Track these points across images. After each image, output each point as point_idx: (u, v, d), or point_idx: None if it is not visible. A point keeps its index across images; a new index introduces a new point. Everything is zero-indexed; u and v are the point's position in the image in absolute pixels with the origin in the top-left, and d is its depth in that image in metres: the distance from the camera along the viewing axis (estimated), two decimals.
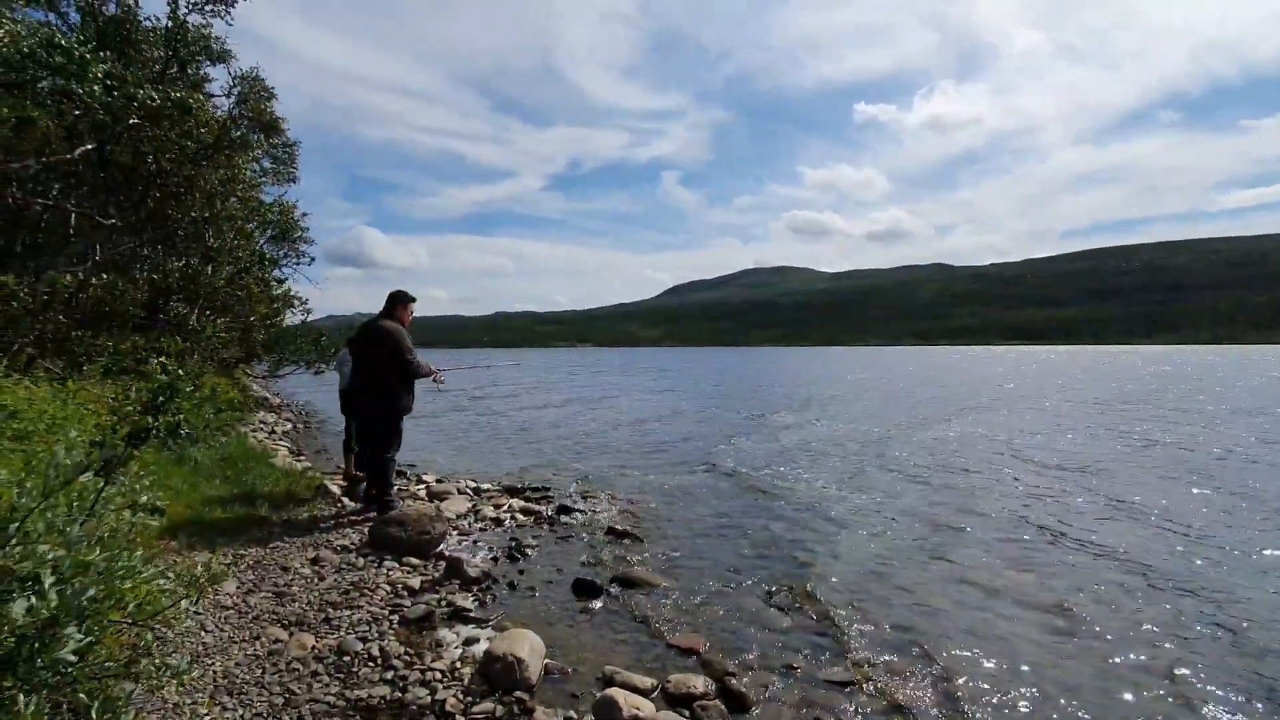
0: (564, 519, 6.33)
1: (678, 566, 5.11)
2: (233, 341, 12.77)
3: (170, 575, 2.72)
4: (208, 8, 9.25)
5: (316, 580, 4.22)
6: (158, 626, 2.57)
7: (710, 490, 7.82)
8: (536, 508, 6.63)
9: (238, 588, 3.97)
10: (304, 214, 15.89)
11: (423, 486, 7.38)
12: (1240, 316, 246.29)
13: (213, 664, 3.03)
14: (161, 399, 2.31)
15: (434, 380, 5.98)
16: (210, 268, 10.12)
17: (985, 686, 3.32)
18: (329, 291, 17.60)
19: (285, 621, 3.58)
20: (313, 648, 3.29)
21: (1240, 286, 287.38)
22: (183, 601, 2.86)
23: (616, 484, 8.12)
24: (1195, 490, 7.72)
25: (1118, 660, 3.62)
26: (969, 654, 3.68)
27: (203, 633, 3.30)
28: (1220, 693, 3.28)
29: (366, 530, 5.21)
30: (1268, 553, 5.42)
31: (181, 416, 2.58)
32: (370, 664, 3.20)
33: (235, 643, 3.26)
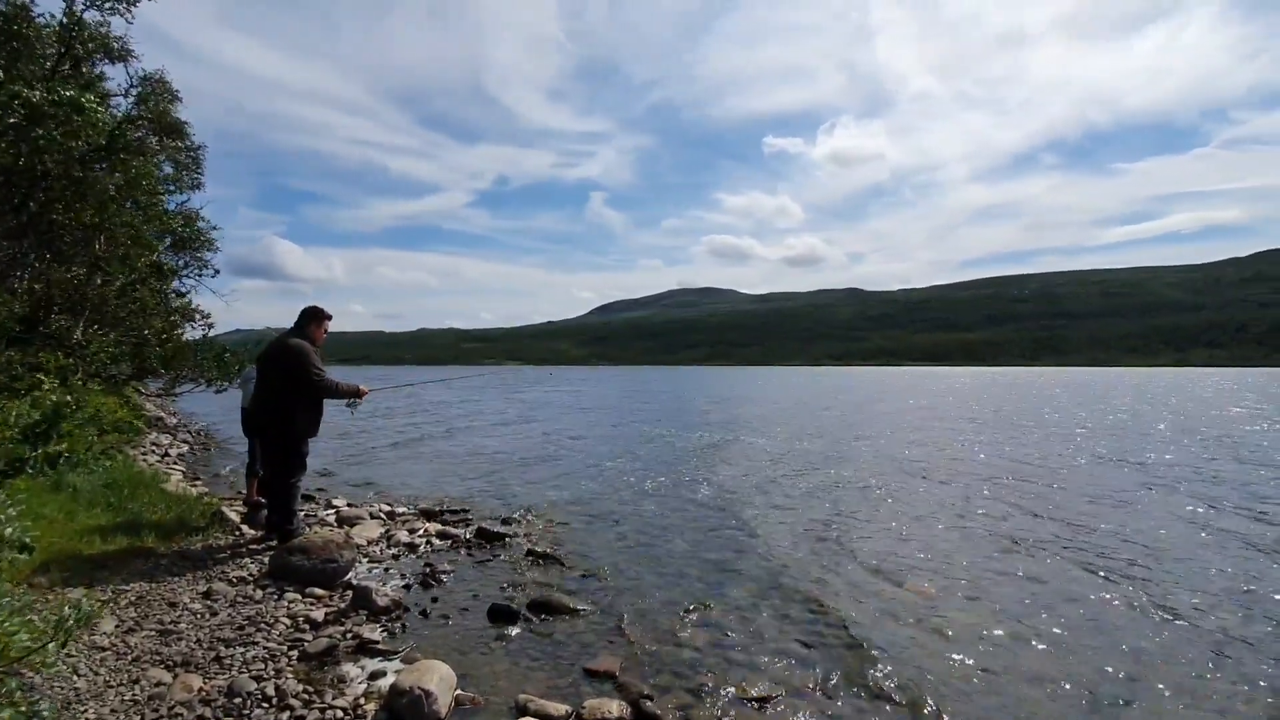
0: (483, 543, 6.19)
1: (598, 589, 5.09)
2: (123, 357, 11.83)
3: (36, 615, 2.49)
4: (106, 5, 8.67)
5: (207, 616, 3.95)
6: (23, 671, 2.35)
7: (632, 510, 7.85)
8: (454, 531, 6.46)
9: (116, 626, 3.66)
10: (214, 227, 15.02)
11: (332, 511, 7.05)
12: (1115, 343, 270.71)
13: (85, 710, 2.79)
14: (44, 426, 2.14)
15: (349, 403, 5.63)
16: (100, 278, 9.38)
17: (900, 699, 3.48)
18: (236, 305, 16.56)
19: (170, 662, 3.33)
20: (200, 690, 3.07)
21: (1116, 315, 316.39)
22: (50, 644, 2.63)
23: (538, 505, 8.02)
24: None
25: (1042, 658, 3.88)
26: (885, 666, 3.83)
27: (75, 677, 3.03)
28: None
29: (266, 560, 4.93)
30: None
31: (64, 446, 2.40)
32: (264, 705, 3.01)
33: (111, 687, 3.01)
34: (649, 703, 3.31)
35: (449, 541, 6.16)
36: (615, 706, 3.24)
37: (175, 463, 10.26)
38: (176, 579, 4.49)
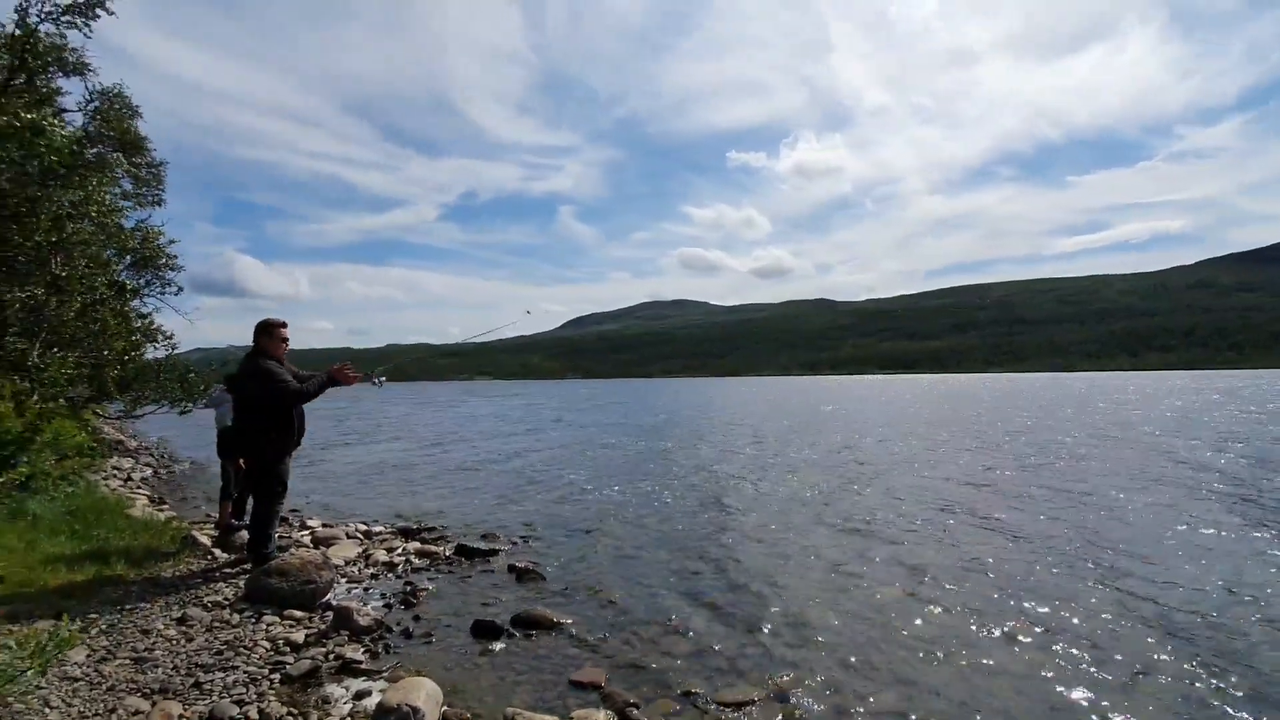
0: (463, 560, 6.15)
1: (580, 601, 5.10)
2: (81, 379, 11.45)
3: (9, 646, 2.43)
4: (63, 18, 8.49)
5: (184, 642, 3.86)
6: None
7: (612, 522, 7.86)
8: (433, 549, 6.40)
9: (88, 656, 3.56)
10: (171, 240, 14.62)
11: (307, 532, 6.93)
12: (1072, 349, 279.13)
13: None
14: (8, 453, 2.11)
15: (375, 383, 5.91)
16: (57, 299, 9.10)
17: (875, 700, 3.57)
18: (198, 323, 16.10)
19: (146, 690, 3.25)
20: (180, 716, 3.01)
21: (1072, 321, 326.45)
22: (29, 671, 2.57)
23: (517, 520, 7.98)
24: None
25: (993, 663, 4.00)
26: (863, 668, 3.92)
27: (47, 709, 2.94)
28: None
29: (242, 583, 4.83)
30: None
31: (30, 470, 2.36)
32: None
33: (87, 717, 2.93)
34: (635, 711, 3.35)
35: (429, 559, 6.11)
36: (602, 716, 3.26)
37: (139, 487, 9.97)
38: (148, 606, 4.37)
